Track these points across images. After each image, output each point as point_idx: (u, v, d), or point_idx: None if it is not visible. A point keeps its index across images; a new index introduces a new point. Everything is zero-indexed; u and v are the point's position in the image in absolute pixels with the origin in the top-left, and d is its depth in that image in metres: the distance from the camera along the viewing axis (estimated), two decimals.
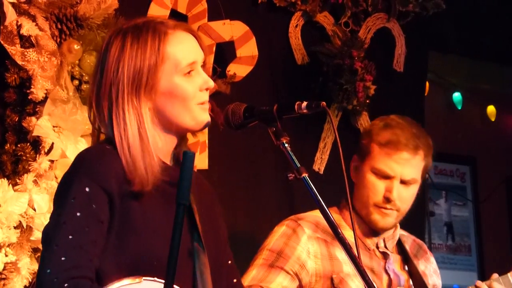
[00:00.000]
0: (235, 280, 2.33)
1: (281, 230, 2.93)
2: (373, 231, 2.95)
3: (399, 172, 2.89)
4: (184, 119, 2.17)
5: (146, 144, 2.13)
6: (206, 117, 2.19)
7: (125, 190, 2.08)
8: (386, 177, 2.91)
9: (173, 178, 2.13)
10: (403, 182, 2.91)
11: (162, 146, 2.18)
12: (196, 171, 2.37)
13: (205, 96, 2.19)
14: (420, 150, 2.91)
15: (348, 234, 2.84)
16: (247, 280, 2.83)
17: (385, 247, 2.98)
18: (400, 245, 3.07)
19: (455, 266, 5.49)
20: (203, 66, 2.21)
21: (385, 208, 2.92)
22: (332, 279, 2.86)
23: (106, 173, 2.07)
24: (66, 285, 1.93)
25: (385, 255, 2.98)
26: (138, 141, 2.12)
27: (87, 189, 2.03)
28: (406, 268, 3.06)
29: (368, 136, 2.95)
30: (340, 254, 2.89)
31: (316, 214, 2.89)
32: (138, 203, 2.10)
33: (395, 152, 2.88)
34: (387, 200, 2.90)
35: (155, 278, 2.00)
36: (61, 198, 2.07)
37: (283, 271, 2.84)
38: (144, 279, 2.00)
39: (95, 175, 2.06)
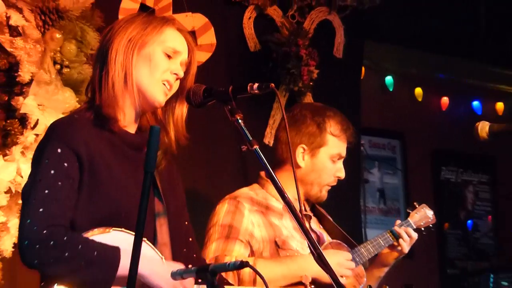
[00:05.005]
0: (195, 255, 2.38)
1: (224, 208, 2.96)
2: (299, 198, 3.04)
3: (345, 152, 3.12)
4: (144, 82, 2.22)
5: (129, 85, 2.21)
6: (160, 97, 2.23)
7: (93, 151, 2.14)
8: (339, 158, 3.08)
9: (135, 144, 2.24)
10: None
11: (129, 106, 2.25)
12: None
13: (171, 78, 2.24)
14: None
15: (275, 205, 3.02)
16: (209, 254, 2.86)
17: (305, 209, 3.12)
18: (313, 206, 3.20)
19: (386, 226, 5.18)
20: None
21: (333, 185, 3.10)
22: (276, 242, 2.95)
23: (74, 136, 2.13)
24: (44, 231, 2.01)
25: (307, 217, 3.09)
26: (122, 81, 2.20)
27: (59, 150, 2.10)
28: (321, 226, 3.21)
29: (323, 129, 3.04)
30: (275, 220, 2.97)
31: (247, 191, 3.00)
32: (104, 163, 2.15)
33: (345, 138, 3.08)
34: (338, 179, 3.10)
35: (123, 229, 2.09)
36: (36, 160, 2.15)
37: (238, 240, 2.90)
38: (113, 229, 2.08)
39: (65, 139, 2.12)
